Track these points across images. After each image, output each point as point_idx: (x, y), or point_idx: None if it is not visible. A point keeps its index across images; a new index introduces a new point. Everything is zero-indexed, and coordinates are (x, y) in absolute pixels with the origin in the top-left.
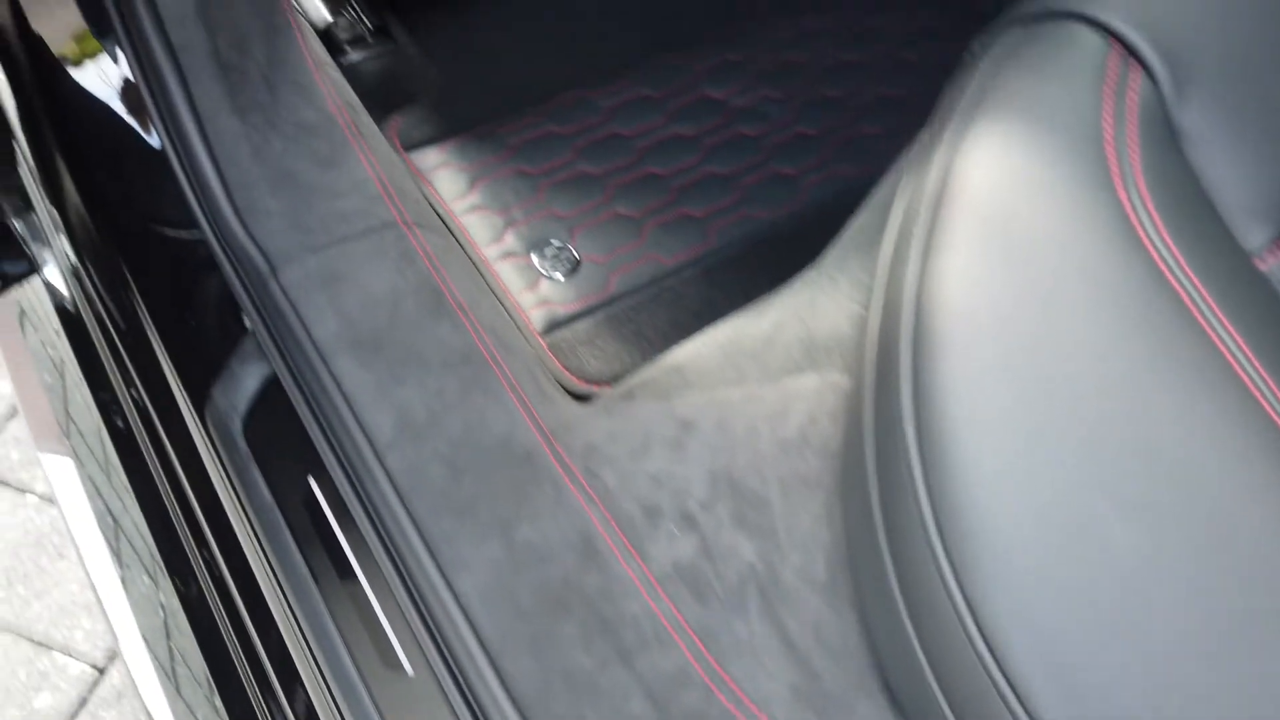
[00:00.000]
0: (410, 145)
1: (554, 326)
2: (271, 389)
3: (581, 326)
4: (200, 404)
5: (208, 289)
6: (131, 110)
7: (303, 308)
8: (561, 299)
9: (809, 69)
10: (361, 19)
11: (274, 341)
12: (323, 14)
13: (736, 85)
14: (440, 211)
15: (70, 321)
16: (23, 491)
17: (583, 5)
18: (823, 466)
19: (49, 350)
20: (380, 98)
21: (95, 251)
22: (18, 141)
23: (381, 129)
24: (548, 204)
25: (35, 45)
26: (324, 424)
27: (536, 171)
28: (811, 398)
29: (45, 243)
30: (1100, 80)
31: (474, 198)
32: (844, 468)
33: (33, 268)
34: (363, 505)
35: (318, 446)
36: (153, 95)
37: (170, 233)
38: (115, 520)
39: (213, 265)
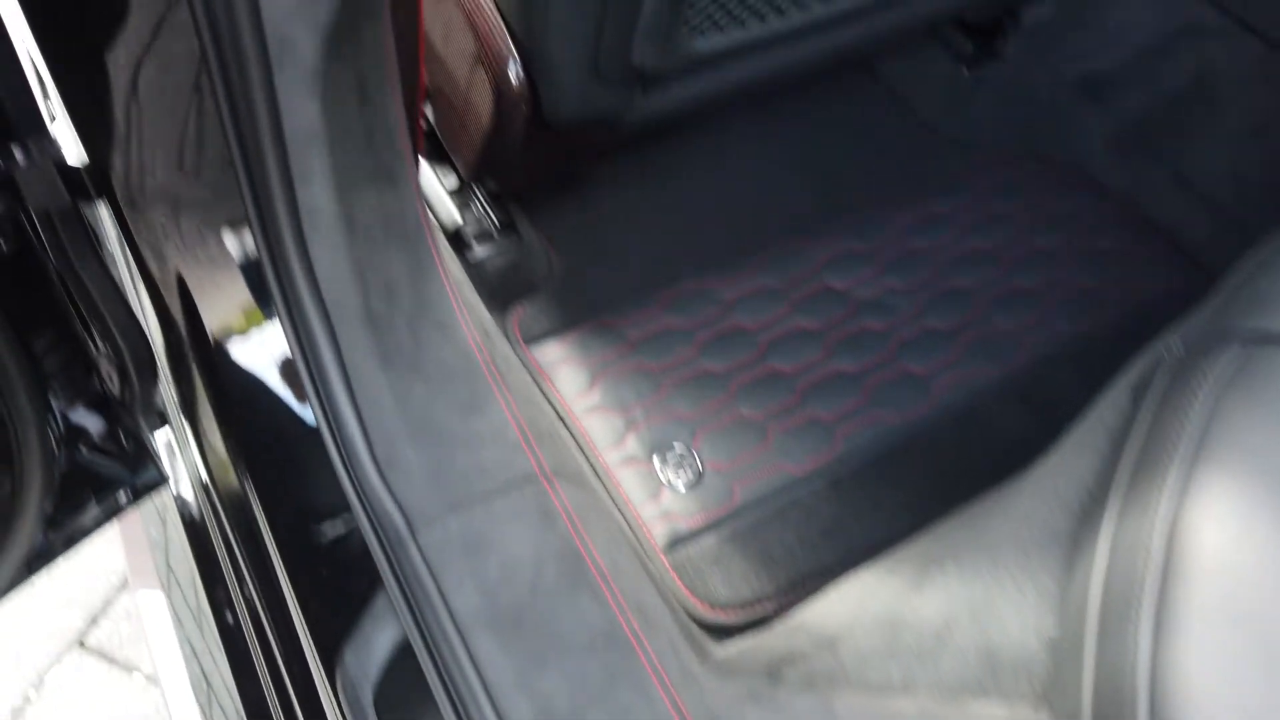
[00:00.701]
0: (531, 338)
1: (677, 542)
2: (404, 654)
3: (706, 543)
4: (329, 662)
5: (348, 544)
6: (287, 382)
7: (442, 575)
8: (684, 511)
9: (935, 257)
10: (489, 215)
11: (410, 608)
12: (454, 216)
13: (860, 275)
14: (561, 412)
15: (195, 533)
16: (129, 670)
17: (703, 195)
18: None
19: (169, 551)
20: (503, 290)
21: (231, 495)
22: (162, 368)
23: (504, 321)
24: (669, 403)
25: (197, 323)
26: (460, 708)
27: (658, 368)
28: None
29: (176, 457)
30: None
31: (595, 396)
32: None
33: (163, 480)
34: None
35: None
36: (305, 358)
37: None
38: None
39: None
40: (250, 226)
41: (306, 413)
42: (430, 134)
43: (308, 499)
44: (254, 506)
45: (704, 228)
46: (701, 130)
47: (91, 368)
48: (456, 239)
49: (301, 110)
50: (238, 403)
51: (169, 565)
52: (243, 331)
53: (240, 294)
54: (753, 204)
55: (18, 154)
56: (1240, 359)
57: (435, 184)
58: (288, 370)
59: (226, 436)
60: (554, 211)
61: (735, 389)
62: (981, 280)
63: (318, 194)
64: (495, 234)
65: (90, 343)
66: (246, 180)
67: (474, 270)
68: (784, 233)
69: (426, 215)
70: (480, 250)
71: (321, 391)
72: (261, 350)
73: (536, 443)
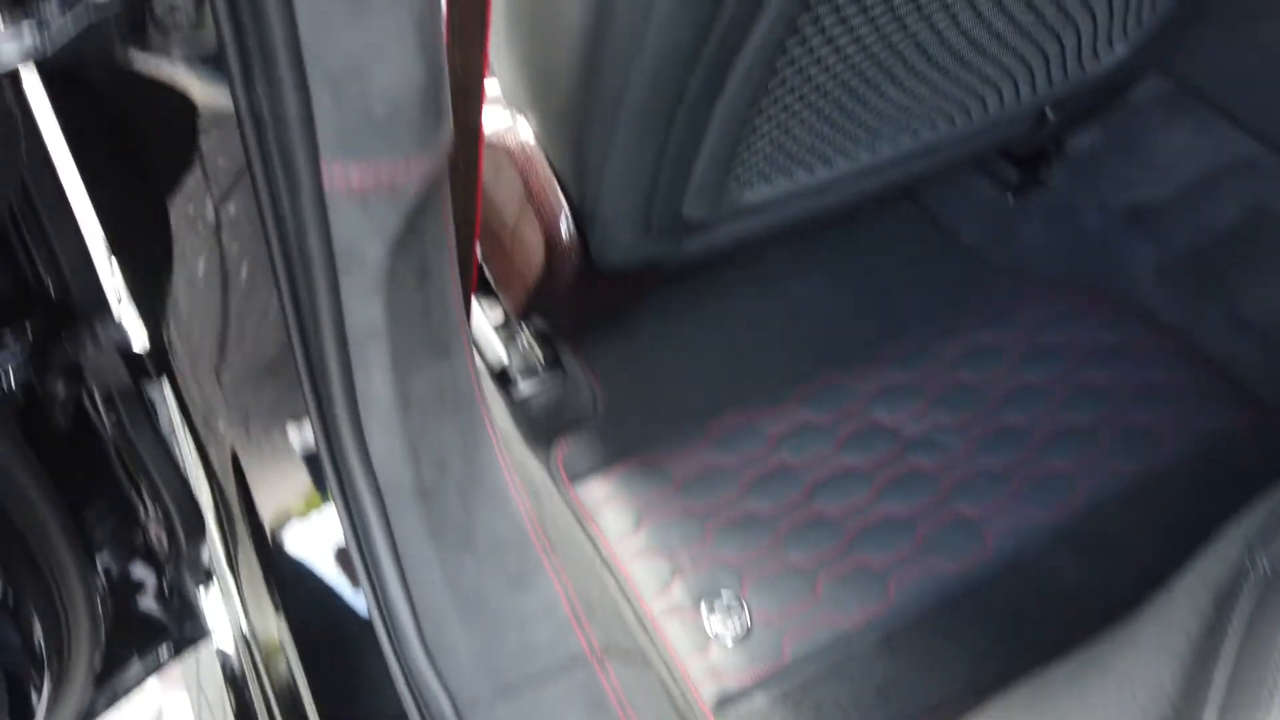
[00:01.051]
0: (576, 475)
1: (726, 702)
2: None
3: (756, 703)
4: None
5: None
6: (342, 568)
7: None
8: (733, 667)
9: (985, 391)
10: (535, 351)
11: None
12: (499, 355)
13: (908, 410)
14: (605, 556)
15: (236, 690)
16: None
17: (746, 324)
18: None
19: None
20: (548, 426)
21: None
22: (210, 531)
23: (547, 458)
24: (715, 548)
25: (252, 508)
26: None
27: (703, 510)
28: None
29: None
30: None
31: (640, 539)
32: None
33: (206, 633)
34: None
35: None
36: (358, 541)
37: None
38: None
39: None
40: (309, 415)
41: (360, 602)
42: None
43: (359, 699)
44: (303, 699)
45: (748, 357)
46: (745, 259)
47: (139, 525)
48: (502, 376)
49: (365, 309)
50: (292, 589)
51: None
52: (302, 515)
53: (299, 478)
54: (797, 333)
55: (84, 339)
56: None
57: (482, 320)
58: (343, 557)
59: (279, 620)
60: (598, 343)
61: (782, 533)
62: (1033, 416)
63: (376, 382)
64: (541, 370)
65: (140, 502)
66: (307, 374)
67: (519, 408)
68: (829, 364)
69: (479, 380)
70: (525, 387)
71: (373, 574)
72: (319, 536)
73: (586, 617)
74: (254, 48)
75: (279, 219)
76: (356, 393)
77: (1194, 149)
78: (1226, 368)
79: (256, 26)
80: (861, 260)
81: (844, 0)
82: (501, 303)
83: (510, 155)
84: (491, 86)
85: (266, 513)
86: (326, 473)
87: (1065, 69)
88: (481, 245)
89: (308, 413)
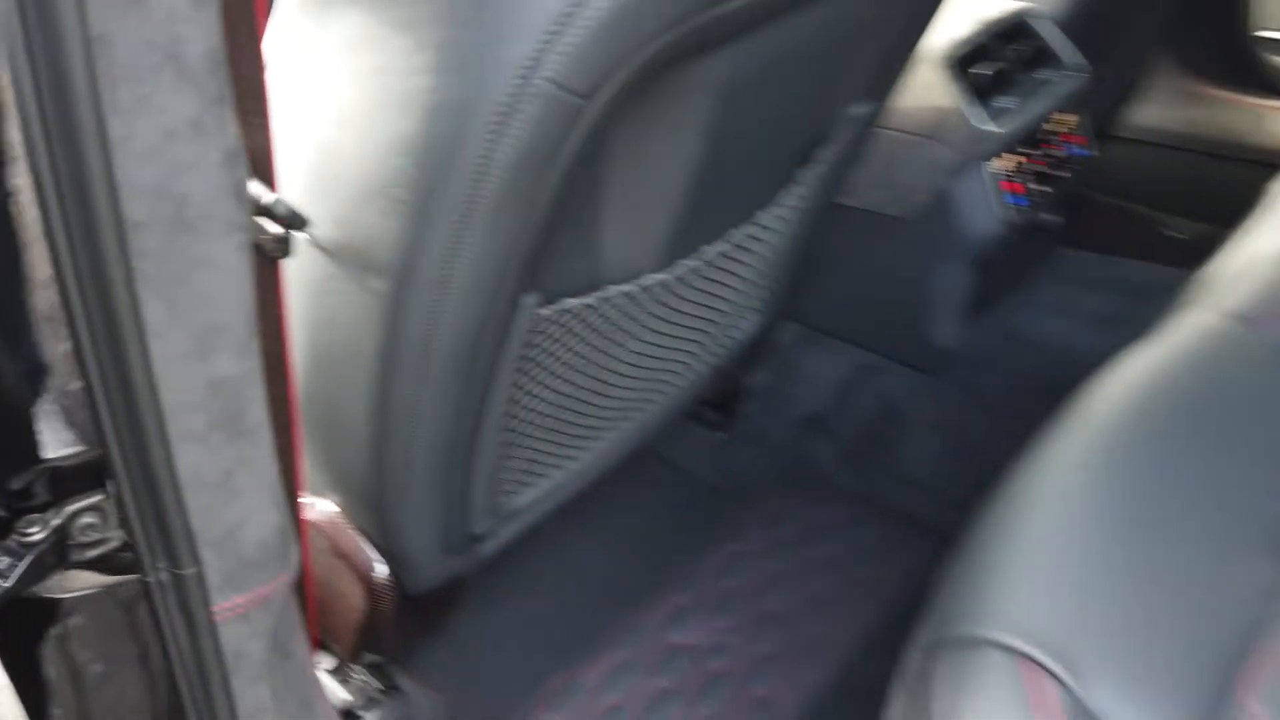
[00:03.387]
0: None
1: None
2: None
3: None
4: None
5: None
6: None
7: None
8: None
9: (744, 591)
10: (371, 683)
11: None
12: (339, 695)
13: (694, 625)
14: None
15: None
16: None
17: (549, 597)
18: None
19: None
20: None
21: None
22: None
23: None
24: None
25: None
26: None
27: None
28: None
29: None
30: (1028, 705)
31: None
32: None
33: None
34: None
35: None
36: None
37: None
38: None
39: None
40: None
41: None
42: None
43: None
44: None
45: (557, 620)
46: (536, 539)
47: None
48: (348, 715)
49: (253, 694)
50: None
51: None
52: None
53: None
54: (589, 588)
55: None
56: (941, 666)
57: (319, 670)
58: None
59: None
60: (427, 656)
61: None
62: (786, 597)
63: None
64: (381, 698)
65: None
66: None
67: None
68: (623, 606)
69: None
70: (371, 718)
71: None
72: None
73: None
74: (155, 533)
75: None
76: None
77: (833, 365)
78: (911, 514)
79: (158, 521)
80: (624, 514)
81: (555, 340)
82: (333, 651)
83: (318, 527)
84: None
85: None
86: None
87: (724, 345)
88: (307, 607)
89: None
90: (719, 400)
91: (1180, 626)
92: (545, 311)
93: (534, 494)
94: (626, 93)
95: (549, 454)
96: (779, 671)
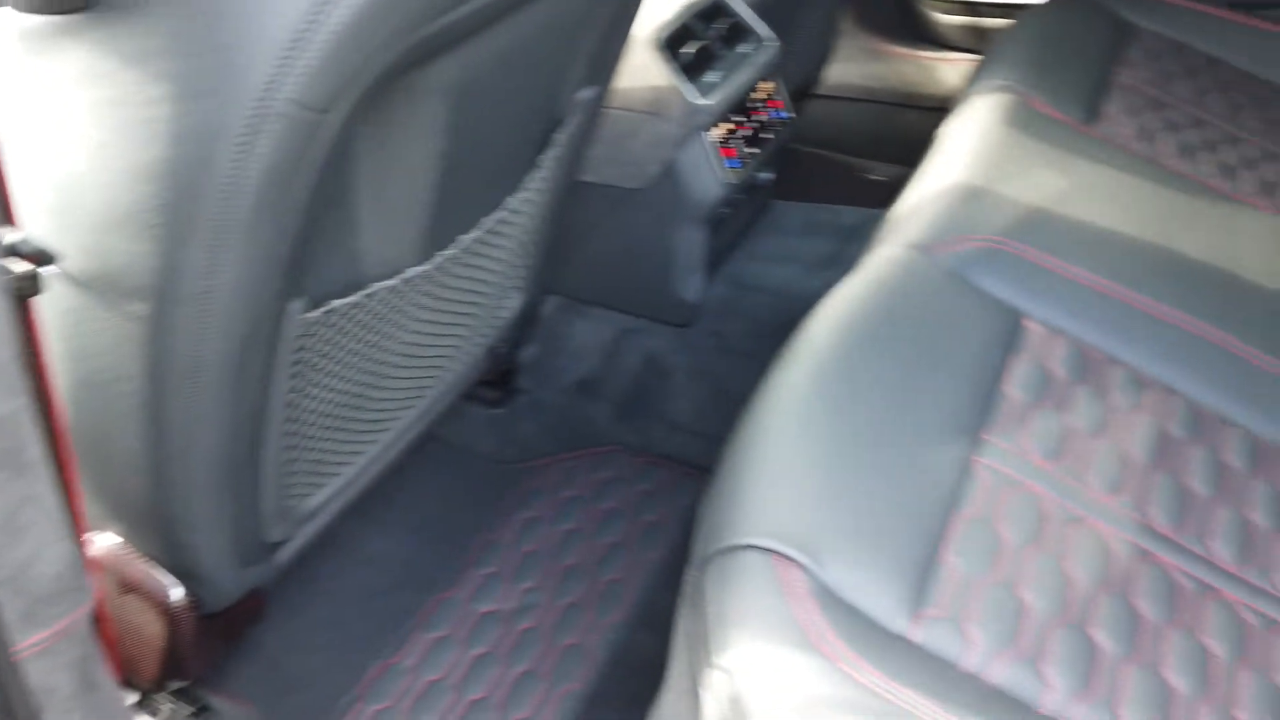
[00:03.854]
0: None
1: None
2: None
3: None
4: None
5: None
6: None
7: None
8: None
9: (543, 549)
10: (181, 709)
11: None
12: None
13: (500, 592)
14: None
15: None
16: None
17: (349, 594)
18: None
19: None
20: None
21: None
22: None
23: None
24: None
25: None
26: None
27: None
28: None
29: None
30: (780, 590)
31: None
32: None
33: None
34: None
35: None
36: None
37: None
38: None
39: None
40: None
41: None
42: None
43: None
44: None
45: (361, 614)
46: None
47: None
48: None
49: None
50: None
51: None
52: None
53: None
54: (391, 578)
55: None
56: (712, 574)
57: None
58: None
59: None
60: (236, 671)
61: None
62: (582, 551)
63: None
64: (193, 718)
65: None
66: None
67: None
68: (430, 588)
69: None
70: None
71: None
72: None
73: None
74: None
75: None
76: None
77: (597, 331)
78: (682, 458)
79: None
80: (416, 501)
81: (326, 341)
82: (137, 685)
83: (103, 563)
84: None
85: None
86: None
87: (492, 325)
88: (105, 648)
89: None
90: (495, 378)
91: (893, 507)
92: (312, 315)
93: (325, 494)
94: (365, 102)
95: (336, 452)
96: (583, 619)
